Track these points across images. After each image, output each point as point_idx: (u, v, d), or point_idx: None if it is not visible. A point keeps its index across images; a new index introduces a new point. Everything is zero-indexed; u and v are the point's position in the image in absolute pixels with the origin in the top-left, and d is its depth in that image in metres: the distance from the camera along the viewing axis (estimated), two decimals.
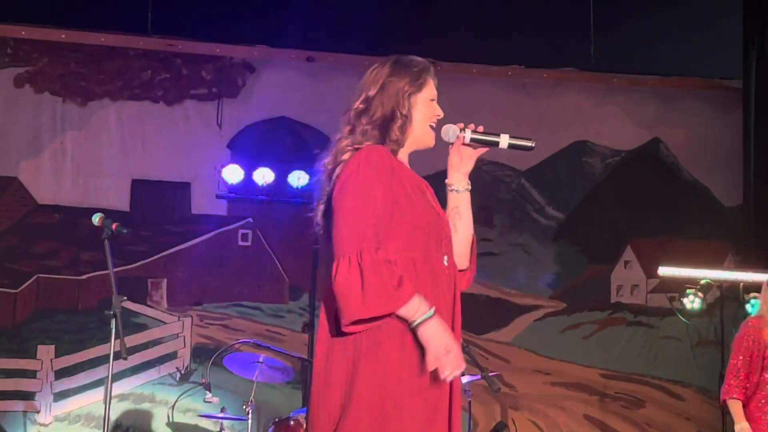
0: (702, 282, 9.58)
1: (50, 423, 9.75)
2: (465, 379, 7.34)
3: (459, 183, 3.94)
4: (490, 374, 5.46)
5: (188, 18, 10.06)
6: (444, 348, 3.47)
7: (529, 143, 3.90)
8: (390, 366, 3.50)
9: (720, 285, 9.80)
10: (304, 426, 7.24)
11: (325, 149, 3.85)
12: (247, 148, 10.36)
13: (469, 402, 7.74)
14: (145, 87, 10.48)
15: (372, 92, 3.83)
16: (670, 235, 10.74)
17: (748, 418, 6.36)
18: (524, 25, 10.60)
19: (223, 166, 9.97)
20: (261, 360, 8.21)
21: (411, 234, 3.63)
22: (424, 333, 3.47)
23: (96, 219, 5.79)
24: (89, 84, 10.36)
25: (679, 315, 10.02)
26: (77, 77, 10.35)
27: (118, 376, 9.44)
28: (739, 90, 10.39)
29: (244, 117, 10.52)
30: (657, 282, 10.61)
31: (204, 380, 8.51)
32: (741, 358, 6.45)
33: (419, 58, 3.93)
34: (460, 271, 3.87)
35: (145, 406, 9.87)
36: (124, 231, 5.76)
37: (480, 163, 11.39)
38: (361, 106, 3.83)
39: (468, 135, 3.88)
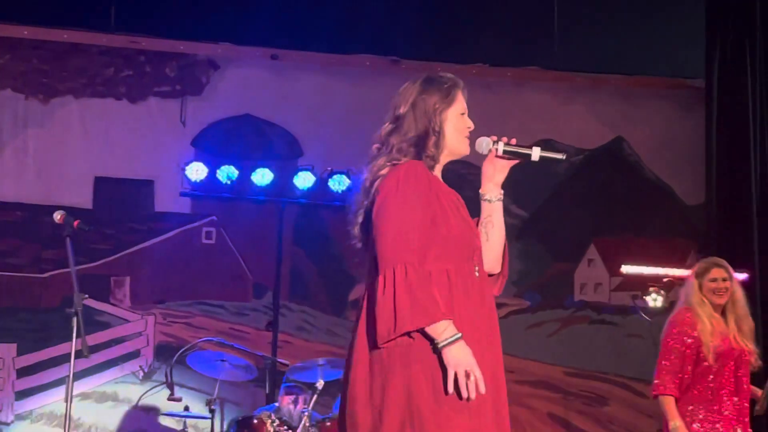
0: (664, 280, 9.64)
1: (12, 422, 9.68)
2: None
3: (492, 193, 4.07)
4: None
5: (152, 15, 10.02)
6: (464, 371, 3.55)
7: (560, 156, 4.05)
8: (425, 382, 3.60)
9: (683, 283, 9.85)
10: (267, 424, 7.23)
11: (363, 166, 4.01)
12: (211, 145, 10.32)
13: None
14: (109, 84, 10.42)
15: (402, 110, 3.97)
16: (633, 234, 10.79)
17: (681, 411, 6.36)
18: (488, 24, 10.62)
19: (186, 163, 9.92)
20: (224, 358, 8.19)
21: (445, 246, 3.75)
22: (447, 354, 3.56)
23: (57, 216, 5.74)
24: (52, 81, 10.29)
25: (642, 313, 10.06)
26: (40, 74, 10.27)
27: (80, 375, 9.39)
28: (702, 89, 10.44)
29: (208, 114, 10.48)
30: (620, 280, 10.66)
31: (167, 379, 8.48)
32: (673, 353, 6.44)
33: (449, 75, 4.06)
34: (491, 276, 3.99)
35: (108, 404, 9.82)
36: (86, 228, 5.72)
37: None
38: (391, 125, 3.98)
39: (501, 147, 4.00)
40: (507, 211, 11.79)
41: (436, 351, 3.57)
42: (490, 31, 10.62)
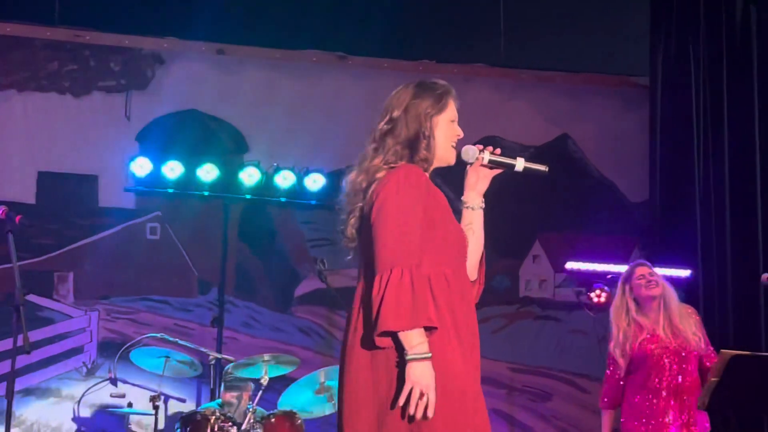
0: (608, 276, 9.71)
1: None
2: None
3: (474, 201, 4.18)
4: None
5: (96, 8, 9.94)
6: (420, 392, 3.57)
7: (543, 168, 4.13)
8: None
9: None
10: (211, 420, 7.20)
11: (352, 166, 4.13)
12: (156, 140, 10.24)
13: None
14: (52, 78, 10.32)
15: (396, 113, 4.03)
16: (577, 230, 10.85)
17: (624, 414, 6.43)
18: (435, 21, 10.65)
19: (131, 159, 9.86)
20: (168, 354, 8.15)
21: (443, 249, 3.83)
22: (412, 369, 3.58)
23: None
24: None
25: (586, 309, 10.13)
26: None
27: (23, 371, 9.31)
28: (646, 87, 10.53)
29: (153, 109, 10.40)
30: (564, 276, 10.72)
31: (111, 375, 8.43)
32: (609, 369, 6.53)
33: (442, 81, 4.13)
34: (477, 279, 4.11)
35: (51, 401, 9.74)
36: (29, 224, 5.67)
37: None
38: (386, 126, 4.05)
39: (486, 157, 4.11)
40: (454, 208, 11.82)
41: (402, 362, 3.61)
42: (437, 27, 10.64)
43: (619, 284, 6.61)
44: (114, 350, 9.37)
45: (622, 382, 6.44)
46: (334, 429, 7.81)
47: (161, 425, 8.18)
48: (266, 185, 10.09)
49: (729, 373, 5.54)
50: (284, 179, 10.08)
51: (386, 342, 3.65)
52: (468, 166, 4.21)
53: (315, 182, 10.13)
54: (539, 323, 10.82)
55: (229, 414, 7.43)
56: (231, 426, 7.24)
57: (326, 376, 7.69)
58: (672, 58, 10.22)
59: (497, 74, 11.07)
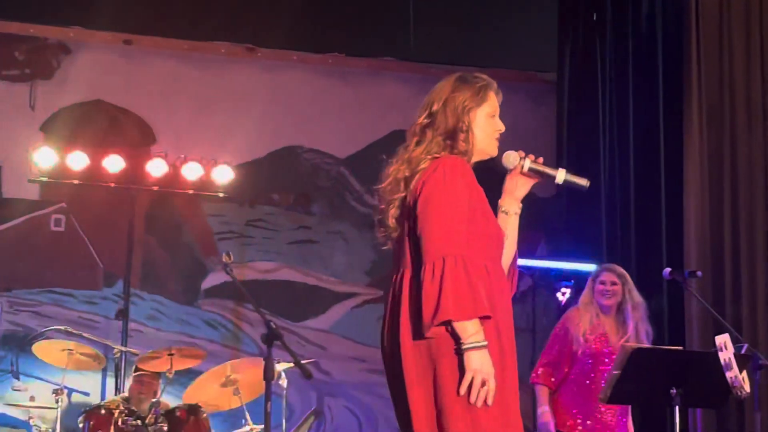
0: None
1: None
2: (280, 367, 7.35)
3: (511, 206, 4.14)
4: (303, 361, 5.46)
5: None
6: (481, 379, 3.64)
7: (584, 182, 4.08)
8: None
9: (533, 274, 10.03)
10: (115, 414, 7.13)
11: (394, 157, 4.14)
12: (61, 131, 10.11)
13: (286, 389, 7.73)
14: None
15: (436, 107, 4.03)
16: None
17: (555, 406, 6.51)
18: (345, 14, 10.65)
19: (35, 149, 9.71)
20: (72, 347, 8.04)
21: (485, 242, 3.86)
22: (471, 357, 3.64)
23: None
24: None
25: None
26: None
27: None
28: (554, 83, 10.63)
29: (58, 99, 10.27)
30: None
31: (12, 368, 8.30)
32: (556, 347, 6.60)
33: (483, 75, 4.12)
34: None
35: None
36: None
37: (300, 149, 11.34)
38: (426, 120, 4.04)
39: (527, 164, 4.05)
40: (361, 201, 11.82)
41: (459, 351, 3.66)
42: (347, 21, 10.65)
43: (588, 281, 6.71)
44: (16, 343, 9.24)
45: (565, 369, 6.49)
46: (239, 421, 7.79)
47: (64, 419, 8.06)
48: (173, 177, 10.00)
49: (630, 366, 5.61)
50: (192, 171, 10.00)
51: (436, 331, 3.69)
52: (508, 173, 4.17)
53: (223, 174, 10.06)
54: None
55: (133, 408, 7.36)
56: (135, 420, 7.18)
57: (232, 369, 7.64)
58: (579, 54, 10.33)
59: (406, 69, 11.09)
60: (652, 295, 9.44)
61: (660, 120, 9.95)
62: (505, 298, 3.92)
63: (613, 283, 6.60)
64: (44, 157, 9.67)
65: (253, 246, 10.56)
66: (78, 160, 9.73)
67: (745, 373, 5.83)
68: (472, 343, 3.64)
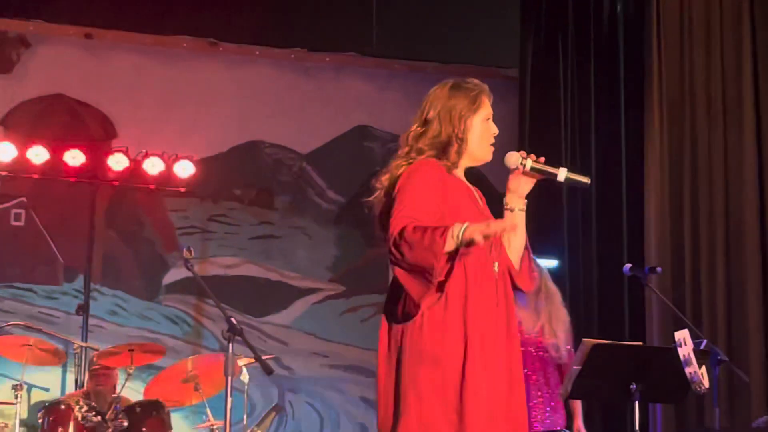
0: None
1: None
2: (241, 362, 7.34)
3: (515, 203, 4.17)
4: (264, 357, 5.45)
5: None
6: (482, 230, 3.69)
7: (585, 179, 4.11)
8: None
9: None
10: (75, 410, 7.10)
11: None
12: (21, 125, 10.05)
13: (247, 385, 7.72)
14: None
15: (430, 115, 4.09)
16: None
17: None
18: (307, 9, 10.63)
19: None
20: (32, 343, 7.99)
21: None
22: (466, 235, 3.69)
23: None
24: None
25: None
26: None
27: None
28: (516, 79, 10.65)
29: (18, 93, 10.19)
30: None
31: None
32: None
33: (475, 81, 4.22)
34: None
35: None
36: None
37: (262, 145, 11.30)
38: (419, 129, 4.10)
39: (528, 164, 4.09)
40: (324, 197, 11.80)
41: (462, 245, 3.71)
42: (309, 15, 10.63)
43: None
44: None
45: None
46: (200, 417, 7.78)
47: (24, 415, 8.04)
48: (135, 172, 9.96)
49: (590, 361, 5.64)
50: (153, 166, 9.97)
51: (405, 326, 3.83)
52: (511, 172, 4.24)
53: (184, 169, 10.03)
54: None
55: (93, 403, 7.33)
56: (95, 415, 7.15)
57: (193, 365, 7.62)
58: (541, 50, 10.35)
59: (370, 64, 11.09)
60: (612, 290, 9.53)
61: (621, 117, 10.01)
62: (488, 296, 3.92)
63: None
64: (4, 152, 9.61)
65: (215, 241, 10.53)
66: (38, 155, 9.68)
67: (704, 368, 5.86)
68: (458, 235, 3.69)
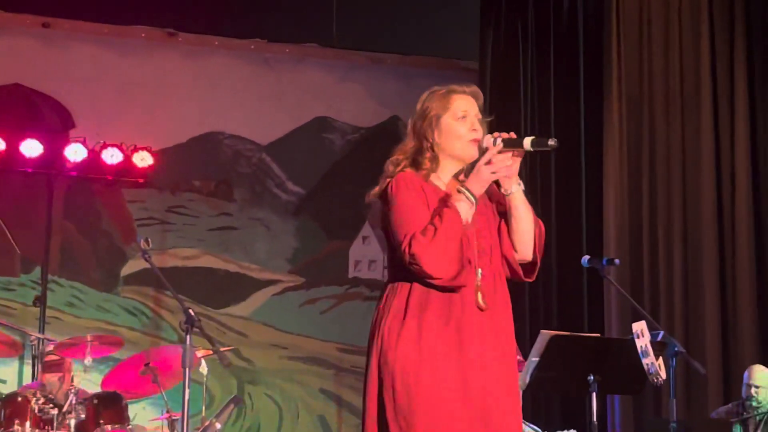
0: None
1: None
2: (200, 354, 7.31)
3: (508, 186, 4.04)
4: (222, 349, 5.43)
5: None
6: (482, 171, 3.88)
7: (551, 141, 3.99)
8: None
9: None
10: (32, 402, 7.04)
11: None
12: None
13: (206, 376, 7.69)
14: None
15: (409, 125, 4.16)
16: None
17: None
18: (267, 0, 10.60)
19: None
20: None
21: None
22: (474, 182, 3.89)
23: None
24: None
25: None
26: None
27: None
28: (476, 71, 10.66)
29: None
30: None
31: None
32: None
33: (455, 85, 4.18)
34: (527, 264, 4.10)
35: None
36: None
37: (221, 136, 11.23)
38: (405, 140, 4.16)
39: (497, 142, 3.99)
40: (283, 188, 11.74)
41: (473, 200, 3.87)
42: (269, 6, 10.58)
43: None
44: None
45: None
46: (159, 409, 7.74)
47: None
48: (93, 162, 9.91)
49: (548, 353, 5.66)
50: (111, 156, 9.92)
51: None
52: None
53: (143, 160, 9.99)
54: (368, 304, 10.87)
55: (50, 395, 7.27)
56: (52, 408, 7.09)
57: (151, 356, 7.58)
58: (501, 42, 10.37)
59: (330, 55, 11.07)
60: (571, 282, 9.57)
61: (581, 109, 10.04)
62: (456, 307, 3.88)
63: None
64: None
65: (174, 233, 10.49)
66: None
67: (661, 359, 5.90)
68: (467, 195, 3.86)
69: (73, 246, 10.21)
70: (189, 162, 10.61)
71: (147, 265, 5.36)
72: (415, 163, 4.04)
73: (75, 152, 9.80)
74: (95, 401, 7.25)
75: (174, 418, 7.28)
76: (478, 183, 3.88)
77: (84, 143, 9.84)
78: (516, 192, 4.01)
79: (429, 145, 4.05)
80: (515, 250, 4.07)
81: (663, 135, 9.66)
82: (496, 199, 4.12)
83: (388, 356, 3.84)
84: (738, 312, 9.35)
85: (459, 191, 3.87)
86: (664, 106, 9.70)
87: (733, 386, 8.73)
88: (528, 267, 4.10)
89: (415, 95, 11.69)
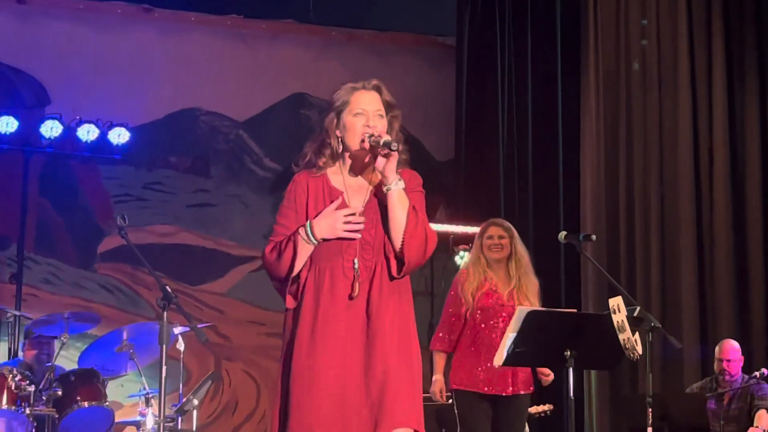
0: None
1: None
2: (177, 330, 7.31)
3: (389, 182, 4.14)
4: (200, 326, 5.43)
5: None
6: (331, 224, 4.08)
7: (389, 139, 4.11)
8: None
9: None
10: (8, 379, 7.02)
11: None
12: None
13: (183, 353, 7.68)
14: None
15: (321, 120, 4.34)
16: None
17: (453, 365, 6.56)
18: None
19: None
20: None
21: (320, 246, 4.11)
22: (317, 230, 4.09)
23: None
24: None
25: None
26: None
27: None
28: (453, 47, 10.66)
29: None
30: None
31: None
32: (449, 310, 6.64)
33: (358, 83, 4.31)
34: (400, 260, 4.15)
35: None
36: None
37: (198, 112, 11.18)
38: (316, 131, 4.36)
39: (368, 141, 4.15)
40: (260, 165, 11.70)
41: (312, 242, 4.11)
42: None
43: (476, 237, 6.72)
44: None
45: (463, 325, 6.53)
46: (136, 386, 7.74)
47: None
48: (68, 139, 9.86)
49: (525, 328, 5.66)
50: (87, 133, 9.86)
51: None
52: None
53: (119, 136, 9.94)
54: None
55: (27, 372, 7.26)
56: (29, 384, 7.08)
57: (128, 333, 7.57)
58: (478, 18, 10.37)
59: (306, 31, 11.04)
60: (548, 258, 9.59)
61: (558, 84, 10.06)
62: (338, 298, 4.08)
63: (501, 237, 6.63)
64: None
65: (151, 209, 10.46)
66: None
67: (637, 335, 5.92)
68: (309, 234, 4.09)
69: (49, 223, 10.17)
70: (165, 138, 10.58)
71: (123, 242, 5.33)
72: (316, 156, 4.25)
73: (50, 128, 9.75)
74: (72, 378, 7.25)
75: (151, 394, 7.27)
76: (326, 230, 4.07)
77: (60, 119, 9.79)
78: (394, 189, 4.11)
79: (331, 140, 4.21)
80: (392, 244, 4.16)
81: (640, 110, 9.68)
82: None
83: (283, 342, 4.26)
84: (715, 287, 9.40)
85: (303, 229, 4.08)
86: (641, 80, 9.72)
87: (709, 361, 8.78)
88: (400, 263, 4.15)
89: (392, 71, 11.78)
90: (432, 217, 10.49)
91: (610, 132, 9.72)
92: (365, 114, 4.18)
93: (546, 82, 10.09)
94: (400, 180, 4.13)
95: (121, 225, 5.28)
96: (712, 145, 9.55)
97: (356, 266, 4.07)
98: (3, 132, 9.65)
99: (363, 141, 4.13)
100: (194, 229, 10.55)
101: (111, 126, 9.94)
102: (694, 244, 9.44)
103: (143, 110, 10.37)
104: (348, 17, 10.96)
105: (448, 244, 9.81)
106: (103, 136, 9.92)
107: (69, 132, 9.83)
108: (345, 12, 10.84)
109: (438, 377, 6.57)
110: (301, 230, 4.07)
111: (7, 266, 9.85)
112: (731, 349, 8.30)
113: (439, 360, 6.61)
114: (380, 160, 4.09)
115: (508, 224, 6.75)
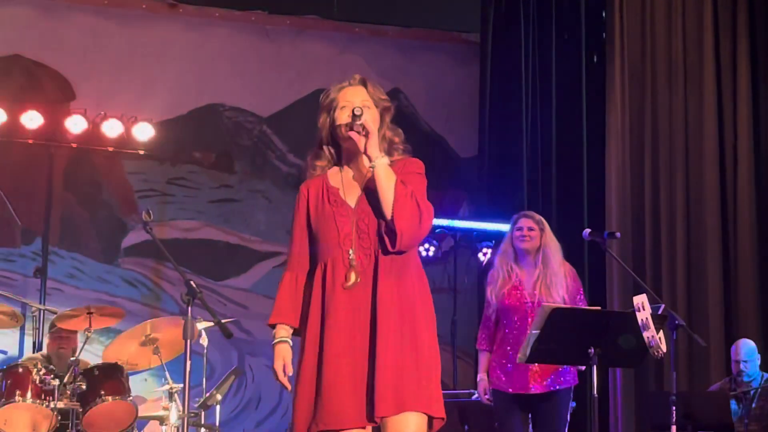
0: (437, 231, 9.82)
1: None
2: (200, 326, 7.32)
3: (372, 160, 4.19)
4: (223, 321, 5.43)
5: None
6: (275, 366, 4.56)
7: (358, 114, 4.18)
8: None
9: (455, 234, 10.07)
10: (33, 373, 7.04)
11: None
12: None
13: (206, 348, 7.70)
14: None
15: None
16: None
17: (490, 365, 6.54)
18: None
19: None
20: None
21: (318, 243, 4.31)
22: (274, 350, 4.57)
23: None
24: None
25: None
26: None
27: None
28: (477, 44, 10.64)
29: None
30: None
31: None
32: (485, 311, 6.63)
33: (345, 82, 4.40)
34: (390, 231, 4.18)
35: None
36: None
37: (221, 107, 11.20)
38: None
39: (344, 128, 4.27)
40: (284, 160, 11.72)
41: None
42: None
43: (508, 232, 6.70)
44: None
45: (495, 324, 6.52)
46: (159, 380, 7.75)
47: None
48: (93, 134, 9.89)
49: (549, 326, 5.65)
50: (112, 128, 9.89)
51: None
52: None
53: (143, 131, 9.96)
54: None
55: (51, 366, 7.28)
56: (53, 378, 7.09)
57: (152, 328, 7.58)
58: (502, 14, 10.35)
59: (330, 27, 11.04)
60: (572, 255, 9.55)
61: (582, 80, 10.03)
62: (340, 289, 4.18)
63: (530, 229, 6.59)
64: None
65: (174, 204, 10.48)
66: None
67: (662, 333, 5.90)
68: (273, 341, 4.67)
69: (74, 217, 10.21)
70: (189, 134, 10.59)
71: (147, 237, 5.34)
72: (315, 159, 4.40)
73: (75, 124, 9.78)
74: (96, 372, 7.25)
75: (174, 389, 7.28)
76: (275, 354, 4.60)
77: (84, 114, 9.82)
78: (378, 164, 4.16)
79: (327, 139, 4.36)
80: (384, 219, 4.17)
81: (665, 107, 9.64)
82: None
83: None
84: (740, 285, 9.36)
85: (273, 329, 4.63)
86: (667, 78, 9.68)
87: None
88: (390, 235, 4.15)
89: (416, 67, 11.77)
90: (455, 214, 10.51)
91: (635, 129, 9.69)
92: (349, 107, 4.24)
93: (570, 80, 10.06)
94: (383, 156, 4.19)
95: (146, 220, 5.28)
96: (737, 141, 9.51)
97: (351, 256, 4.15)
98: (28, 127, 9.69)
99: (341, 129, 4.23)
100: (218, 224, 10.57)
101: (135, 121, 9.96)
102: (719, 242, 9.40)
103: (167, 106, 10.39)
104: (372, 13, 10.95)
105: (471, 241, 9.79)
106: (127, 131, 9.95)
107: (93, 127, 9.86)
108: (369, 8, 10.84)
109: (481, 376, 6.55)
110: (277, 333, 4.63)
111: (32, 260, 9.88)
112: (746, 350, 8.28)
113: (482, 359, 6.61)
114: (360, 139, 4.16)
115: (539, 217, 6.71)
